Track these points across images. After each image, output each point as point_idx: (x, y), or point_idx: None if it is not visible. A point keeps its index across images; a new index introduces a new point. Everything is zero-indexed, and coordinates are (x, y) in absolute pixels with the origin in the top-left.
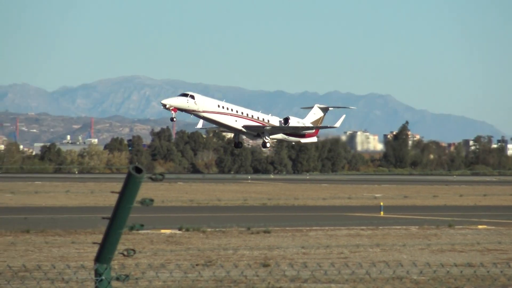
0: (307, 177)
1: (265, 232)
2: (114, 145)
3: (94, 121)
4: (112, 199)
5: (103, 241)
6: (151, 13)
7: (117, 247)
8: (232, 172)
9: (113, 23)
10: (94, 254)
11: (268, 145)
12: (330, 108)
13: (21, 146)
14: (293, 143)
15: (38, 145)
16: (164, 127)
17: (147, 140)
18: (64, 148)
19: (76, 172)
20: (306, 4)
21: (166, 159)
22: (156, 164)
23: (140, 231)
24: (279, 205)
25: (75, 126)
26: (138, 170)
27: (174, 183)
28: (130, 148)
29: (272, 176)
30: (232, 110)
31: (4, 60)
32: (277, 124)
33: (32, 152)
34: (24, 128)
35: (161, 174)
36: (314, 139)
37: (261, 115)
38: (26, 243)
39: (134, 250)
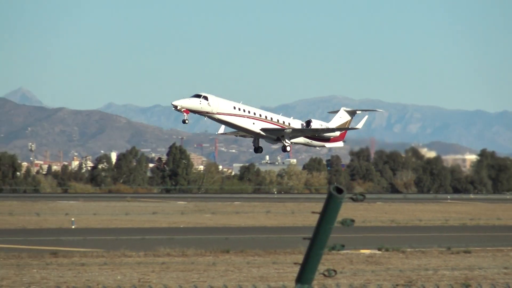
0: (507, 197)
1: (465, 252)
2: (312, 165)
3: None
4: (312, 219)
5: (304, 261)
6: (348, 34)
7: (318, 268)
8: (431, 192)
9: (310, 45)
10: (295, 275)
11: (288, 149)
12: (357, 112)
13: (220, 167)
14: (317, 147)
15: (237, 165)
16: (363, 146)
17: (345, 159)
18: (263, 168)
19: (275, 192)
20: (503, 23)
21: (365, 179)
22: (355, 184)
23: (339, 251)
24: (480, 225)
25: (274, 147)
26: (339, 191)
27: (373, 203)
28: (328, 168)
29: (472, 196)
30: (249, 112)
31: (203, 84)
32: (299, 127)
33: (231, 172)
34: (223, 149)
35: (362, 194)
36: (340, 144)
37: (281, 118)
38: (226, 263)
39: (335, 271)
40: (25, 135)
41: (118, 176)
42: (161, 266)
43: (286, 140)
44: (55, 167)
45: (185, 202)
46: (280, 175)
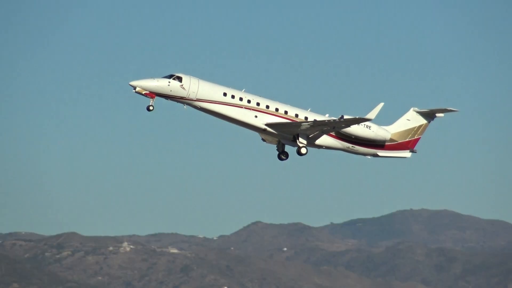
0: None
1: None
2: None
3: None
4: None
5: None
6: None
7: None
8: None
9: None
10: None
11: (303, 151)
12: (437, 115)
13: None
14: (369, 156)
15: None
16: None
17: None
18: None
19: None
20: None
21: None
22: None
23: None
24: None
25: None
26: None
27: None
28: None
29: None
30: (249, 101)
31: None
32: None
33: None
34: None
35: None
36: (406, 154)
37: (301, 112)
38: None
39: None
40: None
41: None
42: None
43: (301, 140)
44: None
45: None
46: None
